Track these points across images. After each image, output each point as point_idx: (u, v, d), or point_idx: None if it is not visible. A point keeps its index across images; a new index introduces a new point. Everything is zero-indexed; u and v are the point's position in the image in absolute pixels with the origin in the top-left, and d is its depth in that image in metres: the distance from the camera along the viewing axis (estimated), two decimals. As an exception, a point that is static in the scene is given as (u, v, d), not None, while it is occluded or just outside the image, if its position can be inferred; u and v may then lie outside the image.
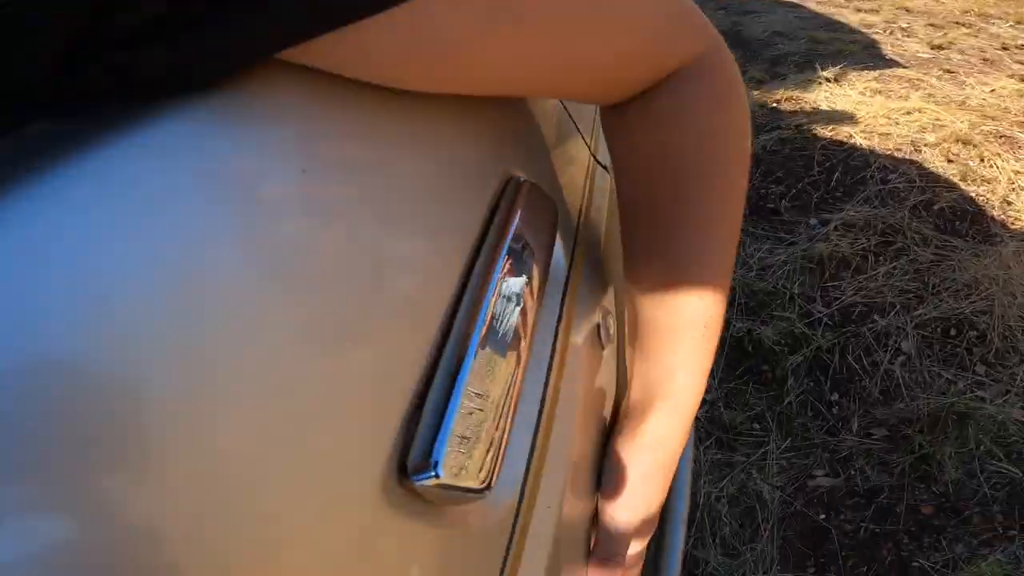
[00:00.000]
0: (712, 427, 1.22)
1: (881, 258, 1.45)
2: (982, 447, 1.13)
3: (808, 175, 1.72)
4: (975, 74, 2.44)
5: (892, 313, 1.35)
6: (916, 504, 1.08)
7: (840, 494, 1.11)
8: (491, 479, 0.21)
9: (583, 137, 0.46)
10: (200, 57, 0.14)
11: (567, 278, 0.33)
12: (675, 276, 0.30)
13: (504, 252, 0.23)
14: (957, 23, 3.42)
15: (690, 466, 0.72)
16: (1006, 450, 1.12)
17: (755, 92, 2.35)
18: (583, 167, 0.43)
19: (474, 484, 0.20)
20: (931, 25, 3.37)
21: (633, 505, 0.31)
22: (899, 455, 1.14)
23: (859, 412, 1.22)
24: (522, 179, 0.27)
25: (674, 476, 0.33)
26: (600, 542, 0.32)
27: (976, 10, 3.75)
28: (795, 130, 1.92)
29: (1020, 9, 3.80)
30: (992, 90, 2.23)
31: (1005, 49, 2.92)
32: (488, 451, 0.21)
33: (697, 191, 0.30)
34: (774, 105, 2.20)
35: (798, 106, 2.15)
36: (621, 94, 0.29)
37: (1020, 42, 3.07)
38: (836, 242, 1.49)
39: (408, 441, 0.18)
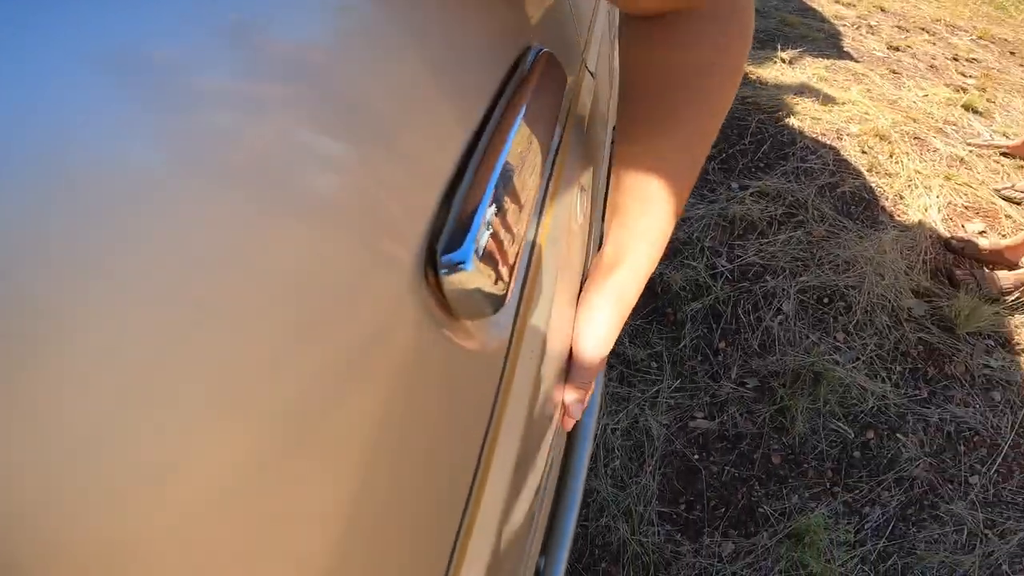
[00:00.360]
0: (616, 361, 1.30)
1: (783, 227, 1.57)
2: (828, 406, 1.25)
3: (740, 143, 1.81)
4: (916, 78, 2.56)
5: (781, 276, 1.47)
6: (769, 453, 1.18)
7: (713, 437, 1.20)
8: (507, 290, 0.22)
9: (580, 42, 0.50)
10: None
11: (556, 152, 0.36)
12: (659, 165, 0.35)
13: (528, 97, 0.25)
14: (923, 29, 3.50)
15: (598, 401, 0.76)
16: (846, 411, 1.25)
17: (716, 60, 2.39)
18: (575, 67, 0.47)
19: (493, 290, 0.21)
20: (898, 27, 3.45)
21: (599, 339, 0.36)
22: (763, 405, 1.25)
23: (739, 362, 1.33)
24: (541, 48, 0.31)
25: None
26: (574, 370, 0.37)
27: (947, 20, 3.84)
28: (740, 101, 1.99)
29: (989, 26, 3.92)
30: (925, 95, 2.36)
31: (955, 60, 3.03)
32: (502, 264, 0.22)
33: (695, 105, 0.34)
34: (730, 75, 2.25)
35: (750, 79, 2.21)
36: (655, 7, 0.32)
37: (972, 56, 3.18)
38: (749, 206, 1.60)
39: (436, 240, 0.19)
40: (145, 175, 0.11)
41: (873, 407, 1.27)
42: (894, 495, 1.15)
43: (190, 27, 0.12)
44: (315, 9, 0.16)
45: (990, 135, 2.14)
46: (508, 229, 0.22)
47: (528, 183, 0.25)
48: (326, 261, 0.15)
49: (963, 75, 2.80)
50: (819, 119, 1.95)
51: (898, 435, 1.24)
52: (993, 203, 1.78)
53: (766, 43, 2.73)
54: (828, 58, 2.58)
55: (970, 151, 1.99)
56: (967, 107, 2.32)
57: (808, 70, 2.37)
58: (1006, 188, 1.83)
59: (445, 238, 0.19)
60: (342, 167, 0.15)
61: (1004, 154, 2.02)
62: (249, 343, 0.13)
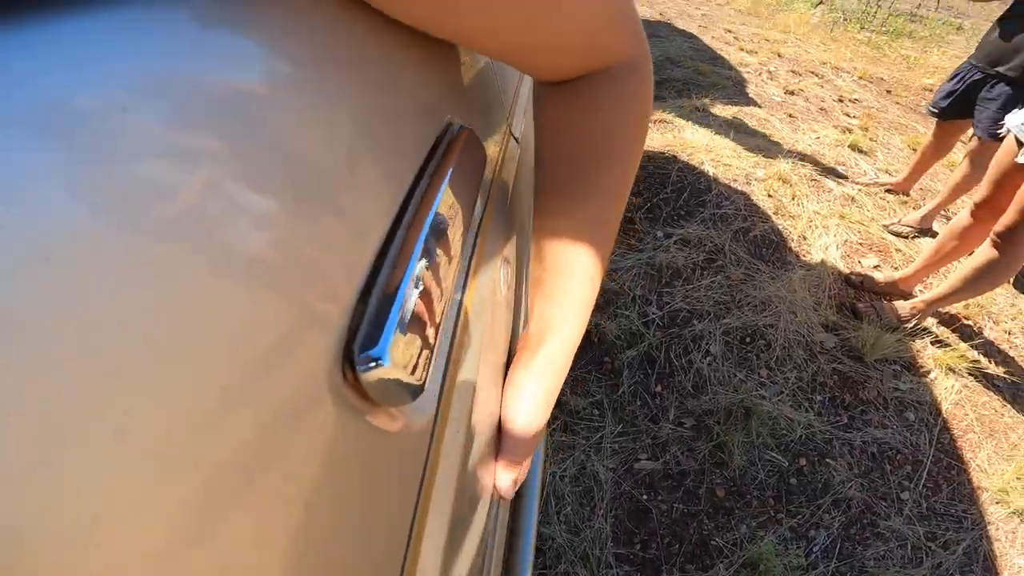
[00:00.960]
0: (559, 411, 1.28)
1: (705, 272, 1.61)
2: (760, 438, 1.28)
3: (663, 192, 1.84)
4: (809, 121, 2.73)
5: (707, 320, 1.50)
6: (713, 487, 1.19)
7: (659, 476, 1.20)
8: (425, 378, 0.22)
9: (505, 111, 0.49)
10: None
11: (479, 226, 0.35)
12: (578, 234, 0.34)
13: (446, 180, 0.25)
14: (813, 72, 3.76)
15: (542, 451, 0.75)
16: (778, 441, 1.28)
17: (637, 110, 2.45)
18: (500, 136, 0.46)
19: (411, 380, 0.21)
20: (792, 71, 3.69)
21: (529, 417, 0.35)
22: (702, 442, 1.26)
23: (675, 403, 1.34)
24: (461, 125, 0.29)
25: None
26: (505, 448, 0.36)
27: (832, 62, 4.16)
28: (662, 149, 2.05)
29: (867, 66, 4.26)
30: (817, 137, 2.51)
31: (840, 101, 3.26)
32: (421, 353, 0.22)
33: (607, 168, 0.33)
34: (650, 124, 2.31)
35: (669, 128, 2.28)
36: (564, 74, 0.32)
37: (854, 96, 3.44)
38: (674, 254, 1.62)
39: (353, 336, 0.18)
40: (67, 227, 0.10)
41: (801, 436, 1.31)
42: (835, 517, 1.17)
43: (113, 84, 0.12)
44: (229, 90, 0.15)
45: (875, 174, 2.29)
46: (427, 316, 0.22)
47: (447, 266, 0.25)
48: (239, 353, 0.14)
49: (848, 116, 3.01)
50: (730, 165, 2.02)
51: (827, 460, 1.27)
52: (884, 238, 1.90)
53: (682, 92, 2.84)
54: (736, 104, 2.71)
55: (859, 190, 2.12)
56: (853, 147, 2.48)
57: (719, 117, 2.47)
58: (893, 224, 1.95)
59: (363, 334, 0.18)
60: (257, 258, 0.15)
61: (889, 191, 2.15)
62: (158, 429, 0.12)
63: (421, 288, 0.21)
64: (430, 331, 0.23)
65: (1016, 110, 1.38)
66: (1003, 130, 1.40)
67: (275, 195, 0.16)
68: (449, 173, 0.25)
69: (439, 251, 0.23)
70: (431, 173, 0.25)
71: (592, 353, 1.42)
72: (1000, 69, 1.65)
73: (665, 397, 1.36)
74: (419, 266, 0.21)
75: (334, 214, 0.18)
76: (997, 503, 1.24)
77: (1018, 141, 1.33)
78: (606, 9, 0.29)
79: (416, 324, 0.21)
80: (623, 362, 1.40)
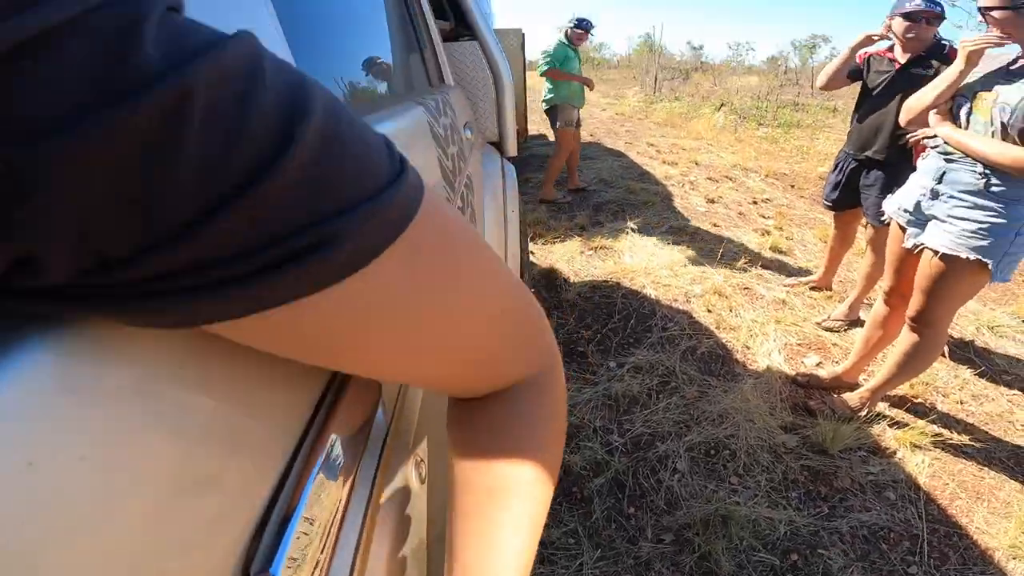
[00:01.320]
0: None
1: (660, 395, 1.64)
2: (744, 542, 1.24)
3: (611, 322, 1.93)
4: (732, 228, 2.96)
5: (669, 440, 1.51)
6: None
7: None
8: None
9: None
10: (165, 313, 0.16)
11: (386, 434, 0.36)
12: (493, 538, 0.29)
13: (337, 416, 0.27)
14: (727, 176, 4.15)
15: None
16: (763, 542, 1.24)
17: (578, 238, 2.63)
18: None
19: None
20: (710, 179, 4.05)
21: None
22: (685, 555, 1.22)
23: (651, 522, 1.30)
24: None
25: None
26: None
27: (741, 164, 4.61)
28: (605, 277, 2.18)
29: (771, 164, 4.72)
30: (741, 244, 2.72)
31: (755, 203, 3.55)
32: (317, 563, 0.24)
33: (517, 493, 0.30)
34: (591, 252, 2.46)
35: (610, 254, 2.43)
36: (466, 395, 0.30)
37: (765, 196, 3.76)
38: (628, 382, 1.66)
39: (250, 561, 0.21)
40: None
41: (785, 532, 1.27)
42: (847, 605, 1.08)
43: None
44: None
45: (798, 273, 2.45)
46: (324, 530, 0.25)
47: (343, 485, 0.27)
48: (168, 559, 0.17)
49: (763, 216, 3.26)
50: (669, 285, 2.14)
51: (820, 551, 1.22)
52: (819, 336, 1.99)
53: (617, 213, 3.07)
54: (666, 220, 2.93)
55: (787, 291, 2.25)
56: (774, 248, 2.68)
57: (654, 235, 2.67)
58: (825, 320, 2.05)
59: (260, 554, 0.21)
60: (181, 493, 0.18)
61: (813, 288, 2.29)
62: None
63: (319, 508, 0.24)
64: (324, 548, 0.26)
65: (890, 195, 1.44)
66: (885, 216, 1.46)
67: (199, 442, 0.19)
68: (340, 408, 0.28)
69: (337, 475, 0.27)
70: (325, 409, 0.27)
71: (560, 486, 1.39)
72: (868, 153, 1.75)
73: (640, 517, 1.32)
74: (315, 491, 0.24)
75: (243, 457, 0.22)
76: (1014, 559, 1.20)
77: (900, 226, 1.39)
78: (504, 344, 0.27)
79: (312, 539, 0.24)
80: (592, 490, 1.38)
